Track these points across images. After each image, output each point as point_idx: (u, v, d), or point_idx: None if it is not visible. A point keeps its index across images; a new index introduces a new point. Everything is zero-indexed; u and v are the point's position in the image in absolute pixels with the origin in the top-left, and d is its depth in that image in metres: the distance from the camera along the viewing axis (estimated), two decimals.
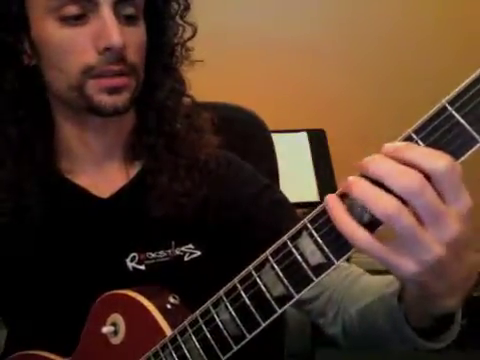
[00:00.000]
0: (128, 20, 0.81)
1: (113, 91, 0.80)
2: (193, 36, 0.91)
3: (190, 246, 0.89)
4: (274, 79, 2.20)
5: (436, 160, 0.47)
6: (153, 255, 0.87)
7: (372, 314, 0.72)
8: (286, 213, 0.93)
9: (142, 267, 0.87)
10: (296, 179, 1.74)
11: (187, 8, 0.90)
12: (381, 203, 0.48)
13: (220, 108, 1.09)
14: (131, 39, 0.80)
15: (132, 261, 0.88)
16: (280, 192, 0.99)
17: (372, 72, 2.25)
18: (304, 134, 1.94)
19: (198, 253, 0.89)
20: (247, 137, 1.17)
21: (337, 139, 1.93)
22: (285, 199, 0.96)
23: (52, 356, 0.89)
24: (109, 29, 0.77)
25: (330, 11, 2.23)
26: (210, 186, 0.90)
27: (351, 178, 0.51)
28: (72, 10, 0.77)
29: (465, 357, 2.00)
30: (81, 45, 0.78)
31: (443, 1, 2.22)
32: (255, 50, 2.17)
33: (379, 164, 0.49)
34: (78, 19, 0.78)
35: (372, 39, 2.23)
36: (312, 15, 2.23)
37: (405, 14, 2.20)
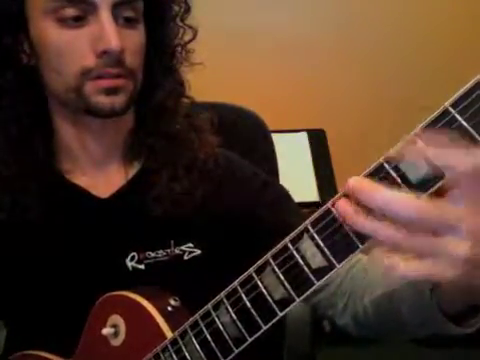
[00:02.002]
0: (127, 22, 0.81)
1: (111, 92, 0.80)
2: (193, 39, 0.91)
3: (190, 245, 0.89)
4: (274, 79, 2.20)
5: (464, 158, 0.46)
6: (152, 254, 0.88)
7: (392, 302, 0.73)
8: (288, 208, 0.94)
9: (142, 266, 0.87)
10: (296, 179, 1.74)
11: (188, 11, 0.90)
12: (385, 236, 0.49)
13: (220, 108, 1.09)
14: (130, 42, 0.80)
15: (132, 261, 0.88)
16: (281, 187, 0.99)
17: (372, 72, 2.25)
18: (304, 134, 1.94)
19: (198, 252, 0.89)
20: (247, 137, 1.18)
21: (337, 139, 1.93)
22: (287, 194, 0.97)
23: (52, 357, 0.89)
24: (107, 33, 0.76)
25: (330, 11, 2.22)
26: (210, 185, 0.90)
27: (345, 210, 0.51)
28: (70, 12, 0.77)
29: (466, 356, 2.01)
30: (79, 48, 0.78)
31: None
32: (255, 50, 2.17)
33: (372, 197, 0.48)
34: (77, 21, 0.78)
35: (372, 39, 2.23)
36: (312, 15, 2.22)
37: (405, 13, 2.20)
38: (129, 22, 0.81)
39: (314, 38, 2.21)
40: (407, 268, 0.49)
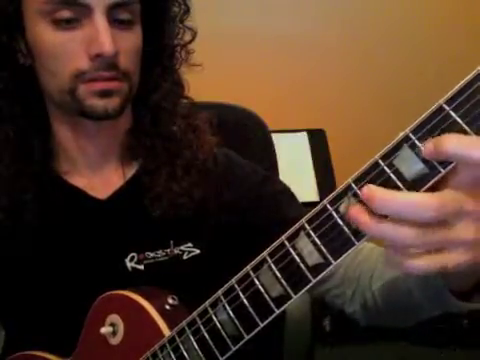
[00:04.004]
0: (123, 25, 0.80)
1: (104, 94, 0.80)
2: (192, 40, 0.91)
3: (189, 245, 0.89)
4: (274, 79, 2.20)
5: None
6: (152, 255, 0.88)
7: (400, 287, 0.73)
8: (289, 203, 0.94)
9: (141, 267, 0.88)
10: (296, 179, 1.74)
11: (187, 12, 0.90)
12: (400, 239, 0.49)
13: (220, 108, 1.09)
14: (125, 44, 0.80)
15: (131, 261, 0.88)
16: (282, 183, 0.99)
17: (372, 72, 2.25)
18: (304, 134, 1.94)
19: (197, 252, 0.89)
20: (247, 137, 1.18)
21: (337, 139, 1.93)
22: (287, 189, 0.97)
23: (51, 357, 0.89)
24: (101, 36, 0.76)
25: (331, 11, 2.22)
26: (209, 184, 0.90)
27: (360, 217, 0.50)
28: (65, 14, 0.77)
29: (466, 356, 2.01)
30: (73, 50, 0.78)
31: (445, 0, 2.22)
32: (255, 50, 2.17)
33: (387, 204, 0.48)
34: (71, 23, 0.77)
35: (373, 39, 2.22)
36: (312, 15, 2.22)
37: (406, 14, 2.20)
38: (125, 24, 0.80)
39: (314, 38, 2.21)
40: (424, 264, 0.49)
